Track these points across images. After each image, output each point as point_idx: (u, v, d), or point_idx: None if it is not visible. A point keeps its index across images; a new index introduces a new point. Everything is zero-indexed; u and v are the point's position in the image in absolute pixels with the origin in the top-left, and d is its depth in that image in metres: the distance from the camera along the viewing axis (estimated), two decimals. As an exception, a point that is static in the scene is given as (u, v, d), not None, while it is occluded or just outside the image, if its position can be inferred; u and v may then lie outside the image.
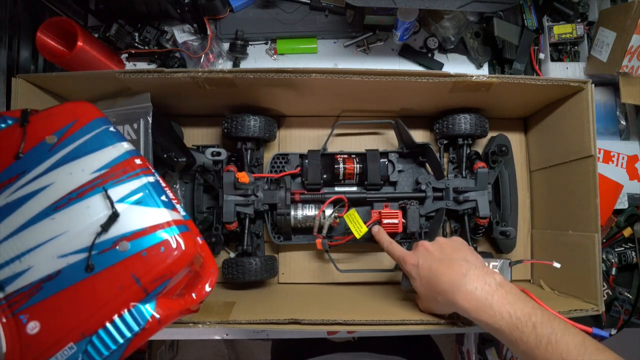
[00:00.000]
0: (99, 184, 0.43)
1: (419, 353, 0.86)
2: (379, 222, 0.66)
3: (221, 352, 1.71)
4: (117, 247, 0.41)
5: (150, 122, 0.60)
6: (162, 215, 0.43)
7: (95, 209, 0.42)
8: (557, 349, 0.42)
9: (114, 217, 0.42)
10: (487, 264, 0.53)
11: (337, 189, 0.73)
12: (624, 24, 0.70)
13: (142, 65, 0.79)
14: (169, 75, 0.57)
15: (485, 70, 0.81)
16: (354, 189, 0.73)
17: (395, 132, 0.74)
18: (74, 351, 0.39)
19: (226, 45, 0.79)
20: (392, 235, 0.67)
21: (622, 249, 0.76)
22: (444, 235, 0.74)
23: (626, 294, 0.75)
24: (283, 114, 0.76)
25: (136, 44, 0.76)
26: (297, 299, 0.67)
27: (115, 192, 0.43)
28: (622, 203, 0.76)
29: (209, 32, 0.75)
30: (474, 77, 0.59)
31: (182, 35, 0.77)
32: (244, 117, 0.67)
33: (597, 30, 0.76)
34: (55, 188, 0.43)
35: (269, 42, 0.80)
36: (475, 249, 0.71)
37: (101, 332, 0.39)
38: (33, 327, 0.40)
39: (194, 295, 0.45)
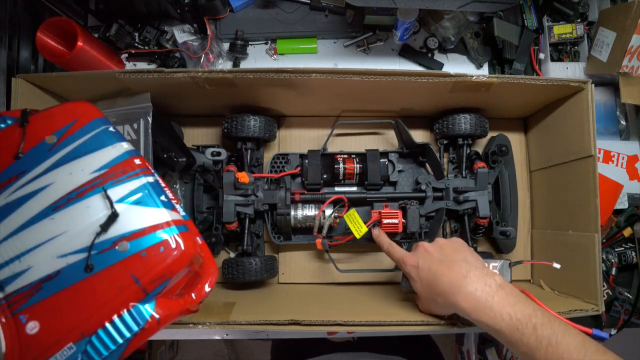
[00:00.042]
0: (98, 184, 0.43)
1: (419, 353, 0.86)
2: (379, 222, 0.66)
3: (221, 352, 1.71)
4: (117, 247, 0.41)
5: (150, 122, 0.60)
6: (161, 215, 0.43)
7: (94, 209, 0.42)
8: (557, 350, 0.42)
9: (113, 217, 0.42)
10: (486, 265, 0.53)
11: (337, 189, 0.73)
12: (624, 24, 0.70)
13: (142, 65, 0.79)
14: (169, 75, 0.57)
15: (485, 70, 0.81)
16: (354, 189, 0.73)
17: (395, 132, 0.74)
18: (74, 351, 0.39)
19: (226, 45, 0.78)
20: (392, 235, 0.67)
21: (622, 249, 0.76)
22: (444, 235, 0.74)
23: (626, 294, 0.75)
24: (283, 114, 0.76)
25: (136, 44, 0.76)
26: (297, 299, 0.67)
27: (115, 192, 0.43)
28: (622, 203, 0.76)
29: (209, 32, 0.75)
30: (474, 77, 0.59)
31: (182, 35, 0.77)
32: (244, 117, 0.67)
33: (597, 30, 0.76)
34: (55, 188, 0.43)
35: (269, 42, 0.80)
36: (475, 249, 0.71)
37: (100, 332, 0.39)
38: (32, 327, 0.40)
39: (193, 295, 0.45)
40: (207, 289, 0.46)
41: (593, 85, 0.60)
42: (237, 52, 0.77)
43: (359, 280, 0.74)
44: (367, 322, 0.53)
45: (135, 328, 0.40)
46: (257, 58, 0.80)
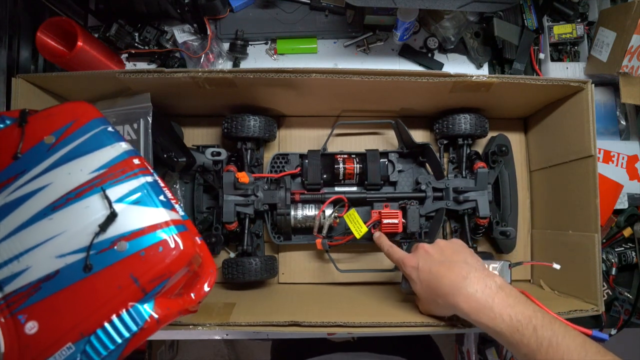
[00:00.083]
0: (97, 184, 0.43)
1: (419, 353, 0.86)
2: (379, 222, 0.66)
3: (221, 352, 1.71)
4: (116, 247, 0.41)
5: (150, 122, 0.60)
6: (160, 215, 0.43)
7: (93, 208, 0.42)
8: (557, 351, 0.42)
9: (112, 217, 0.42)
10: (486, 267, 0.52)
11: (337, 189, 0.73)
12: (624, 24, 0.70)
13: (142, 65, 0.79)
14: (169, 75, 0.57)
15: (485, 70, 0.81)
16: (354, 189, 0.73)
17: (395, 132, 0.74)
18: (73, 351, 0.39)
19: (226, 45, 0.78)
20: (392, 235, 0.67)
21: (622, 249, 0.76)
22: (444, 235, 0.74)
23: (626, 294, 0.75)
24: (283, 114, 0.76)
25: (136, 44, 0.76)
26: (297, 299, 0.67)
27: (114, 192, 0.43)
28: (622, 203, 0.76)
29: (209, 32, 0.75)
30: (474, 77, 0.59)
31: (182, 35, 0.77)
32: (244, 117, 0.67)
33: (597, 30, 0.76)
34: (54, 188, 0.43)
35: (269, 42, 0.80)
36: (475, 249, 0.71)
37: (99, 332, 0.39)
38: (31, 327, 0.40)
39: (192, 295, 0.45)
40: (206, 288, 0.46)
41: (593, 85, 0.60)
42: (237, 52, 0.77)
43: (359, 280, 0.74)
44: (367, 323, 0.53)
45: (134, 328, 0.40)
46: (257, 58, 0.80)
